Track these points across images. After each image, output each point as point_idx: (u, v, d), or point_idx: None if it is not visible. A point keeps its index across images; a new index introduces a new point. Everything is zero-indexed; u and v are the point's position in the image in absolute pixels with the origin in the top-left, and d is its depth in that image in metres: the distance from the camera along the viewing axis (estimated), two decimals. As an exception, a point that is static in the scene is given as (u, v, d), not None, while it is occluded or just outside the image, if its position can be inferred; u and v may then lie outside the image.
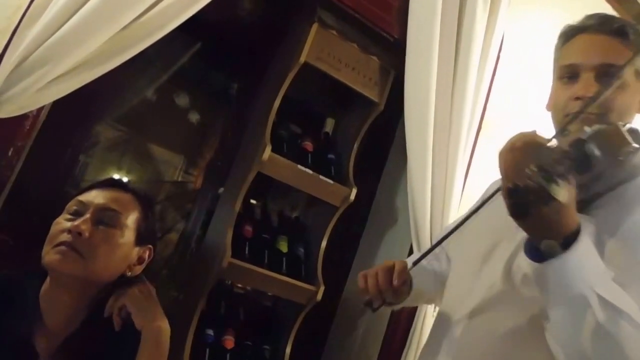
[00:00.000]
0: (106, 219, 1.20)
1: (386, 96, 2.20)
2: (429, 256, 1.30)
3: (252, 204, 2.19)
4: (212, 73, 2.21)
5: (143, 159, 2.07)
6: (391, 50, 2.16)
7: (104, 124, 1.99)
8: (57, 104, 1.47)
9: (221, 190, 2.15)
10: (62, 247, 1.15)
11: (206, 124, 2.22)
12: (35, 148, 1.48)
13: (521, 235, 1.02)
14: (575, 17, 1.28)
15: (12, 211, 1.46)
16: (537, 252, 0.92)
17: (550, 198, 0.84)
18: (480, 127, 2.29)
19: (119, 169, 2.00)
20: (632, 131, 0.96)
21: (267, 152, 1.93)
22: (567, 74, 1.15)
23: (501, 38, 2.31)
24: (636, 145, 0.94)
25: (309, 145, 2.16)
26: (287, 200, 2.29)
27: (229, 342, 1.97)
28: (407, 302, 1.40)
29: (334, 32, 2.08)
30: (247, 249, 2.02)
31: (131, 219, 1.24)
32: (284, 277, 2.01)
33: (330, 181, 2.09)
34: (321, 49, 2.04)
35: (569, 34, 1.19)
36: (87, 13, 1.40)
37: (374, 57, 2.17)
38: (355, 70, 2.13)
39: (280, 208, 2.29)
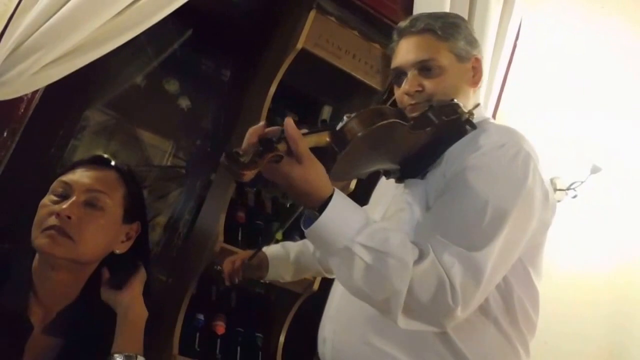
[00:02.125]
0: (93, 200, 1.26)
1: (389, 84, 2.24)
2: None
3: (245, 190, 2.28)
4: (203, 60, 2.27)
5: (132, 143, 2.13)
6: (395, 38, 2.22)
7: (94, 108, 2.06)
8: (50, 88, 1.58)
9: (213, 176, 2.23)
10: (52, 232, 1.21)
11: (197, 110, 2.27)
12: (28, 130, 1.58)
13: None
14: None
15: (5, 190, 1.57)
16: (308, 221, 1.11)
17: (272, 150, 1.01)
18: (495, 117, 2.35)
19: (108, 153, 2.07)
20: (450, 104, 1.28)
21: (263, 137, 2.01)
22: (396, 75, 1.42)
23: (518, 25, 2.34)
24: (432, 118, 1.24)
25: (305, 132, 2.23)
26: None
27: (220, 327, 2.05)
28: (291, 277, 1.77)
29: (333, 18, 2.13)
30: (240, 235, 2.11)
31: (117, 197, 1.30)
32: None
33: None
34: (319, 35, 2.10)
35: (394, 40, 1.44)
36: (80, 0, 1.52)
37: (376, 45, 2.23)
38: (356, 58, 2.19)
39: (275, 195, 2.37)
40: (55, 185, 1.28)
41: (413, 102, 1.36)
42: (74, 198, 1.24)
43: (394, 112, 1.23)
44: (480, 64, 1.43)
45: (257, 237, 2.16)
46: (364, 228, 1.09)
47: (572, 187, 2.77)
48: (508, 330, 1.26)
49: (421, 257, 1.10)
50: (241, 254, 1.72)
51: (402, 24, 1.44)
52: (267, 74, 2.16)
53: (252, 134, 1.05)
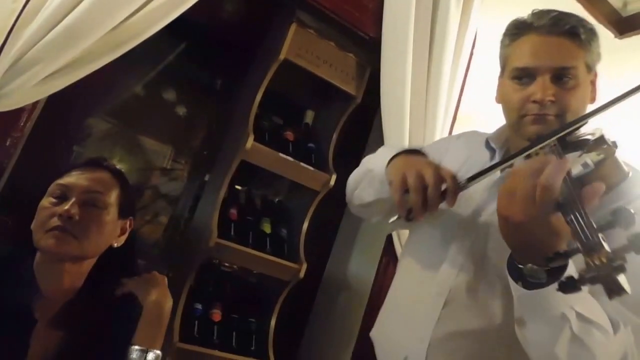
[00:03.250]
0: (92, 200, 1.24)
1: (363, 90, 2.25)
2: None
3: (237, 189, 2.24)
4: (197, 70, 2.26)
5: (133, 149, 2.11)
6: (367, 48, 2.21)
7: (96, 117, 2.03)
8: (52, 99, 1.52)
9: (207, 177, 2.20)
10: (56, 232, 1.18)
11: (192, 117, 2.26)
12: (31, 139, 1.52)
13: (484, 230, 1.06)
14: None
15: (10, 195, 1.49)
16: (517, 270, 0.89)
17: (621, 289, 0.73)
18: (455, 119, 2.33)
19: (111, 159, 2.03)
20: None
21: (250, 141, 1.98)
22: (521, 75, 1.13)
23: (474, 34, 2.34)
24: (627, 170, 0.91)
25: (290, 135, 2.21)
26: (270, 186, 2.34)
27: (217, 315, 2.02)
28: None
29: (312, 31, 2.12)
30: (232, 230, 2.06)
31: (113, 196, 1.27)
32: (268, 256, 2.06)
33: (311, 168, 2.14)
34: (300, 46, 2.09)
35: (519, 31, 1.15)
36: (78, 14, 1.45)
37: (351, 54, 2.22)
38: (333, 67, 2.17)
39: (264, 193, 2.34)
40: (53, 188, 1.25)
41: (542, 112, 1.08)
42: (73, 199, 1.21)
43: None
44: (597, 78, 1.16)
45: (248, 232, 2.11)
46: (580, 293, 0.85)
47: None
48: None
49: (615, 329, 0.91)
50: (434, 169, 1.09)
51: (538, 20, 1.13)
52: (254, 82, 2.12)
53: None
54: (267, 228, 2.15)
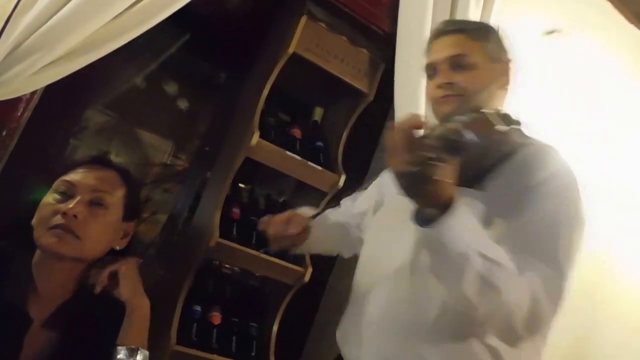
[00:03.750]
0: (97, 199, 1.23)
1: (375, 87, 2.22)
2: (338, 210, 1.64)
3: (240, 187, 2.23)
4: (200, 63, 2.25)
5: (132, 144, 2.12)
6: (381, 43, 2.19)
7: (94, 109, 2.03)
8: (49, 89, 1.52)
9: (209, 174, 2.18)
10: (58, 230, 1.17)
11: (194, 111, 2.26)
12: (28, 130, 1.51)
13: None
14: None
15: (4, 189, 1.49)
16: (423, 219, 1.04)
17: (430, 179, 0.96)
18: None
19: (107, 153, 2.03)
20: (501, 115, 1.08)
21: (256, 138, 1.96)
22: (429, 71, 1.38)
23: None
24: (504, 128, 1.07)
25: (297, 132, 2.19)
26: (275, 185, 2.32)
27: (216, 318, 2.00)
28: (306, 249, 1.65)
29: (323, 24, 2.10)
30: (234, 230, 2.05)
31: (118, 197, 1.27)
32: (272, 258, 2.04)
33: (319, 167, 2.12)
34: (310, 40, 2.06)
35: (429, 41, 1.41)
36: (79, 2, 1.44)
37: (364, 50, 2.19)
38: (344, 62, 2.15)
39: (268, 193, 2.32)
40: (58, 184, 1.24)
41: (445, 93, 1.31)
42: (78, 197, 1.21)
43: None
44: (511, 70, 1.37)
45: (251, 232, 2.08)
46: (482, 235, 1.05)
47: None
48: (537, 340, 1.20)
49: (521, 272, 1.05)
50: (293, 215, 1.51)
51: (437, 26, 1.43)
52: (261, 76, 2.10)
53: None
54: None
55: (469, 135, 0.96)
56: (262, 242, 2.05)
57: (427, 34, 2.07)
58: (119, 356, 1.16)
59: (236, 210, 2.09)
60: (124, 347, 1.17)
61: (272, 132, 2.10)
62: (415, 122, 1.00)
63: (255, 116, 2.00)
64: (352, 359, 1.33)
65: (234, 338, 2.02)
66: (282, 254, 2.08)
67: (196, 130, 2.26)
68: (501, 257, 1.04)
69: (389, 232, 1.38)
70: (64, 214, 1.17)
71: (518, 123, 1.13)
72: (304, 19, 2.03)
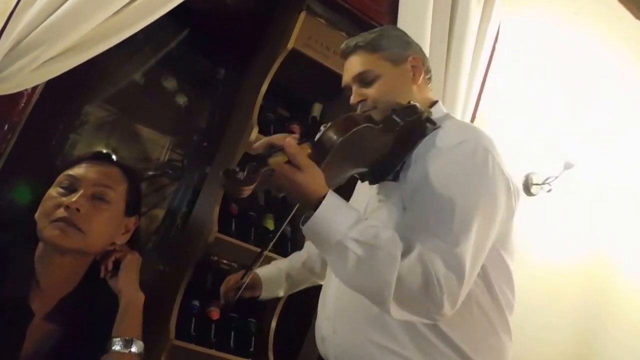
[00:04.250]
0: (100, 194, 1.26)
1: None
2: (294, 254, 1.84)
3: (238, 183, 2.24)
4: (199, 58, 2.28)
5: (131, 139, 2.14)
6: (380, 39, 2.20)
7: (94, 104, 2.05)
8: (50, 84, 1.54)
9: (208, 169, 2.21)
10: (61, 223, 1.20)
11: (193, 107, 2.28)
12: (29, 124, 1.55)
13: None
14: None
15: (6, 182, 1.53)
16: (304, 220, 1.16)
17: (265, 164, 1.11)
18: (474, 118, 2.34)
19: (107, 147, 2.06)
20: (403, 108, 1.32)
21: (254, 133, 1.99)
22: (346, 91, 1.49)
23: (497, 29, 2.33)
24: (397, 120, 1.28)
25: (296, 128, 2.22)
26: (273, 181, 2.33)
27: (215, 313, 2.03)
28: (285, 293, 1.85)
29: (322, 20, 2.13)
30: (233, 225, 2.08)
31: (121, 192, 1.30)
32: (270, 253, 2.03)
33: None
34: (309, 36, 2.09)
35: (342, 63, 1.53)
36: (79, -2, 1.47)
37: (364, 46, 2.21)
38: (343, 58, 2.18)
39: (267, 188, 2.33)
40: (62, 178, 1.27)
41: (362, 109, 1.40)
42: (81, 191, 1.24)
43: (364, 118, 1.27)
44: (419, 62, 1.47)
45: (249, 228, 2.14)
46: (356, 224, 1.14)
47: (547, 181, 2.80)
48: (490, 311, 1.29)
49: (407, 251, 1.13)
50: (235, 275, 1.73)
51: (341, 47, 1.53)
52: (260, 72, 2.14)
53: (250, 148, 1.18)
54: (270, 225, 2.17)
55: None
56: (261, 238, 2.11)
57: (428, 28, 2.10)
58: (115, 347, 1.19)
59: (235, 206, 2.12)
60: (120, 338, 1.19)
61: (271, 128, 2.14)
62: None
63: (254, 111, 2.03)
64: (324, 356, 1.42)
65: (233, 333, 2.06)
66: (281, 249, 2.12)
67: (195, 125, 2.29)
68: (380, 238, 1.13)
69: None
70: (67, 207, 1.20)
71: (427, 112, 1.34)
72: (303, 15, 2.06)
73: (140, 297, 1.28)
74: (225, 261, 2.15)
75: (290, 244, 2.18)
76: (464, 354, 1.25)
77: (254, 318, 2.14)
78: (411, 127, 1.31)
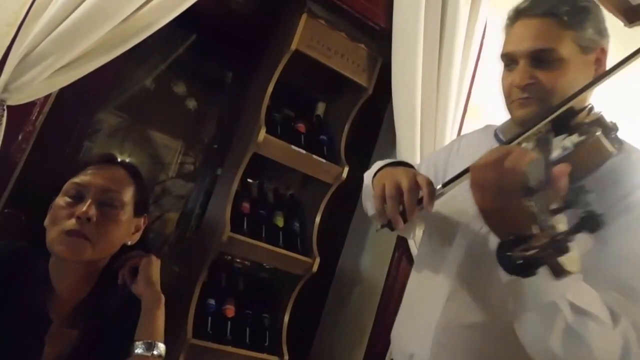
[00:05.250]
0: (108, 199, 1.21)
1: (374, 81, 2.23)
2: None
3: (249, 183, 2.23)
4: (207, 63, 2.24)
5: (144, 144, 2.10)
6: (378, 39, 2.19)
7: (106, 111, 2.02)
8: (62, 93, 1.51)
9: (219, 171, 2.18)
10: (71, 238, 1.15)
11: (203, 111, 2.25)
12: (42, 133, 1.51)
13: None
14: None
15: (23, 190, 1.49)
16: (507, 257, 0.86)
17: (563, 270, 0.75)
18: (466, 110, 2.32)
19: (121, 154, 2.03)
20: (601, 124, 0.94)
21: (262, 134, 1.96)
22: (507, 61, 1.15)
23: (484, 25, 2.32)
24: (612, 148, 0.92)
25: (301, 127, 2.20)
26: (282, 179, 2.32)
27: (230, 310, 2.01)
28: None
29: (323, 22, 2.11)
30: (245, 224, 2.05)
31: (128, 194, 1.25)
32: (281, 250, 2.04)
33: (323, 160, 2.13)
34: (311, 37, 2.07)
35: (511, 19, 1.16)
36: (88, 7, 1.44)
37: (362, 45, 2.20)
38: (344, 58, 2.16)
39: (276, 187, 2.33)
40: (68, 187, 1.22)
41: (523, 96, 1.09)
42: (90, 199, 1.19)
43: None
44: (605, 56, 1.11)
45: (260, 226, 2.10)
46: (574, 283, 0.87)
47: None
48: None
49: (615, 321, 0.89)
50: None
51: (522, 4, 1.14)
52: (265, 74, 2.11)
53: None
54: (279, 222, 2.14)
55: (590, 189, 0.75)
56: (271, 235, 2.08)
57: (421, 28, 2.08)
58: (137, 351, 1.15)
59: (246, 205, 2.10)
60: (142, 342, 1.16)
61: (278, 128, 2.11)
62: (518, 164, 0.83)
63: (261, 112, 2.00)
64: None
65: (248, 329, 2.03)
66: (291, 246, 2.09)
67: (205, 129, 2.26)
68: (595, 307, 0.88)
69: (442, 240, 1.20)
70: (78, 217, 1.16)
71: (615, 128, 0.96)
72: (304, 17, 2.04)
73: (161, 299, 1.23)
74: (238, 260, 2.12)
75: (300, 240, 2.15)
76: None
77: (267, 313, 2.11)
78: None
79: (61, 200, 1.20)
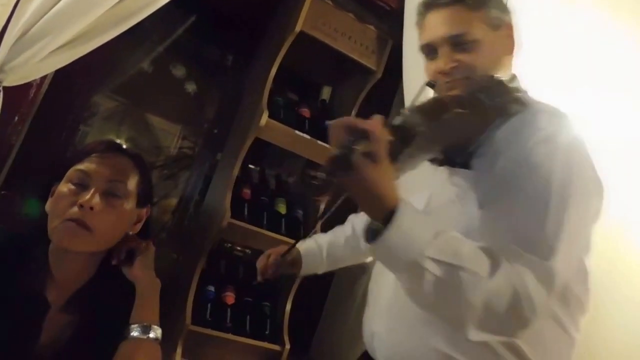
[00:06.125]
0: (113, 189, 1.22)
1: (384, 64, 2.22)
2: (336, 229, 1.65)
3: (250, 168, 2.24)
4: (207, 44, 2.24)
5: (141, 128, 2.11)
6: (388, 19, 2.18)
7: (102, 94, 2.03)
8: (58, 75, 1.52)
9: (219, 156, 2.19)
10: (71, 225, 1.16)
11: (202, 94, 2.25)
12: (39, 115, 1.52)
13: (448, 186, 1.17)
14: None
15: (19, 172, 1.51)
16: (371, 234, 0.98)
17: (349, 166, 0.90)
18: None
19: (118, 138, 2.04)
20: (493, 83, 1.11)
21: (264, 118, 1.97)
22: (427, 52, 1.26)
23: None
24: (485, 100, 1.07)
25: (305, 111, 2.20)
26: (284, 165, 2.33)
27: (230, 298, 2.03)
28: (324, 270, 1.68)
29: (329, 2, 2.10)
30: (246, 210, 2.07)
31: (133, 184, 1.26)
32: (284, 237, 2.06)
33: (328, 146, 2.11)
34: (316, 18, 2.05)
35: (422, 13, 1.27)
36: (84, -14, 1.44)
37: (371, 26, 2.19)
38: (351, 39, 2.15)
39: (278, 173, 2.33)
40: (72, 174, 1.22)
41: (449, 79, 1.19)
42: (94, 188, 1.19)
43: (454, 101, 1.09)
44: (513, 31, 1.26)
45: (262, 212, 2.12)
46: (434, 239, 0.96)
47: None
48: (564, 320, 1.14)
49: (494, 268, 0.97)
50: (275, 250, 1.59)
51: None
52: (268, 56, 2.10)
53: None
54: (282, 209, 2.15)
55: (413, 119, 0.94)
56: (273, 222, 2.09)
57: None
58: (133, 333, 1.16)
59: (247, 191, 2.11)
60: (138, 324, 1.17)
61: (281, 112, 2.11)
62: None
63: (263, 96, 2.00)
64: (370, 352, 1.28)
65: (248, 317, 2.06)
66: (293, 233, 2.10)
67: (205, 113, 2.26)
68: (463, 258, 0.97)
69: None
70: (81, 206, 1.16)
71: (516, 90, 1.13)
72: (309, -3, 2.02)
73: (157, 283, 1.25)
74: (238, 247, 2.14)
75: (302, 227, 2.16)
76: None
77: (268, 301, 2.13)
78: (497, 108, 1.12)
79: (64, 187, 1.21)
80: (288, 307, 2.12)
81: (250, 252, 2.19)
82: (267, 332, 2.07)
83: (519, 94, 1.14)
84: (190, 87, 2.22)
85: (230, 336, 1.97)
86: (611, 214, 2.97)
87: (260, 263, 1.57)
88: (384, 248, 0.95)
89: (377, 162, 0.91)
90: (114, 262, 1.26)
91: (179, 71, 2.18)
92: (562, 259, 1.00)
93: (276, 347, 2.05)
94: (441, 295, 0.97)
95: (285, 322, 2.10)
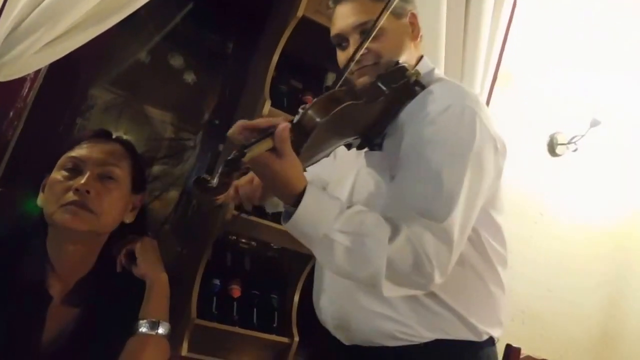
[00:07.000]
0: (106, 173, 1.25)
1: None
2: None
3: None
4: (206, 33, 2.23)
5: (140, 120, 2.12)
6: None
7: (99, 87, 2.03)
8: (53, 68, 1.52)
9: (221, 147, 2.18)
10: (73, 207, 1.19)
11: (202, 84, 2.25)
12: (34, 110, 1.53)
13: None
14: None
15: (16, 168, 1.52)
16: (287, 215, 1.13)
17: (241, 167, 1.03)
18: (496, 78, 2.29)
19: (117, 131, 2.05)
20: (390, 71, 1.26)
21: (267, 106, 1.97)
22: (337, 42, 1.40)
23: None
24: (383, 88, 1.22)
25: (310, 99, 2.18)
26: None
27: (236, 290, 2.04)
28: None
29: (332, -16, 2.06)
30: (250, 202, 2.05)
31: (126, 168, 1.29)
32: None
33: (331, 134, 2.10)
34: (319, 2, 2.02)
35: (332, 8, 1.42)
36: (77, -24, 1.45)
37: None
38: (356, 23, 2.11)
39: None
40: (64, 161, 1.25)
41: (360, 65, 1.33)
42: (88, 172, 1.22)
43: (346, 93, 1.20)
44: (416, 19, 1.42)
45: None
46: (340, 214, 1.12)
47: (572, 141, 2.76)
48: (480, 269, 1.31)
49: (395, 233, 1.12)
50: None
51: None
52: (270, 43, 2.09)
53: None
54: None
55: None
56: (279, 213, 2.07)
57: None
58: (141, 329, 1.20)
59: (251, 182, 2.10)
60: (146, 320, 1.21)
61: (285, 100, 2.11)
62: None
63: (265, 84, 2.00)
64: (323, 324, 1.45)
65: (255, 310, 2.07)
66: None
67: (205, 103, 2.26)
68: (368, 226, 1.12)
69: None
70: (77, 190, 1.19)
71: (417, 73, 1.29)
72: (311, -20, 2.00)
73: (164, 277, 1.28)
74: (244, 240, 2.14)
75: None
76: (457, 312, 1.27)
77: (275, 293, 2.14)
78: (398, 91, 1.26)
79: (57, 174, 1.24)
80: (296, 298, 2.13)
81: (255, 244, 2.20)
82: (275, 325, 2.09)
83: (419, 77, 1.29)
84: (190, 77, 2.22)
85: (237, 329, 1.98)
86: (629, 201, 2.99)
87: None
88: (296, 226, 1.11)
89: (282, 156, 1.05)
90: (118, 270, 1.30)
91: (177, 61, 2.18)
92: (458, 219, 1.14)
93: (285, 340, 2.06)
94: (352, 262, 1.12)
95: (293, 314, 2.11)
